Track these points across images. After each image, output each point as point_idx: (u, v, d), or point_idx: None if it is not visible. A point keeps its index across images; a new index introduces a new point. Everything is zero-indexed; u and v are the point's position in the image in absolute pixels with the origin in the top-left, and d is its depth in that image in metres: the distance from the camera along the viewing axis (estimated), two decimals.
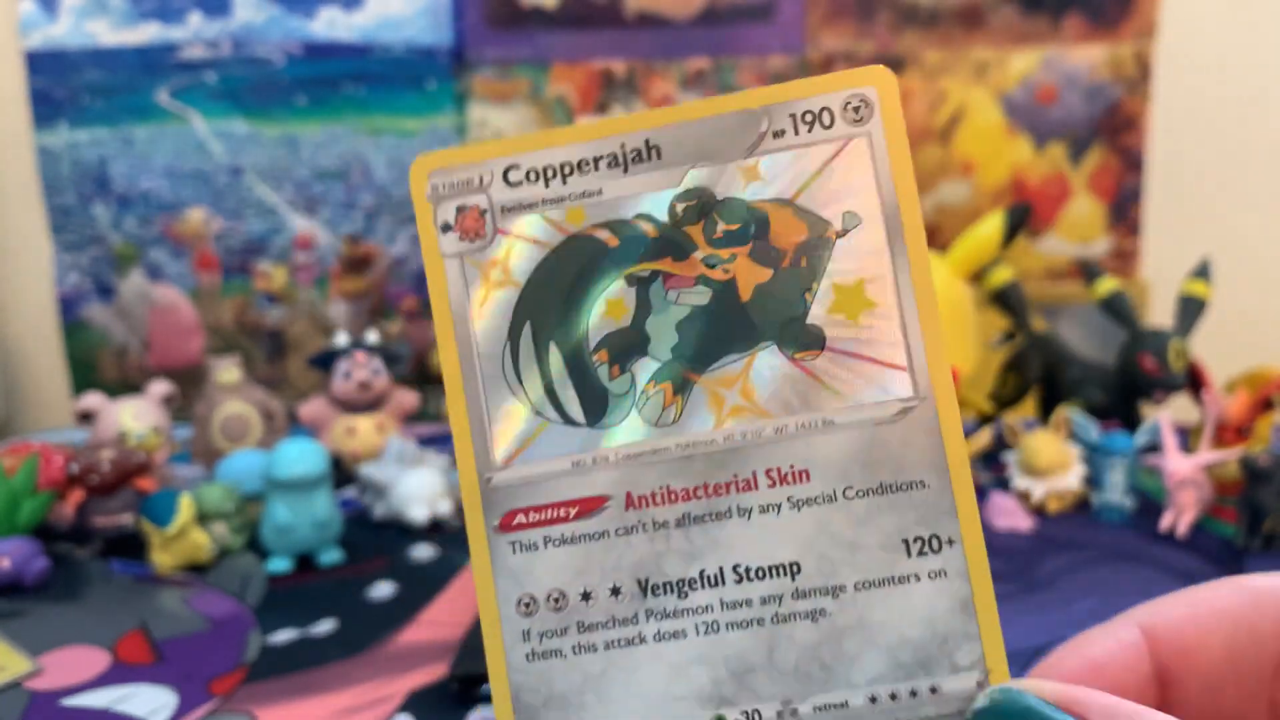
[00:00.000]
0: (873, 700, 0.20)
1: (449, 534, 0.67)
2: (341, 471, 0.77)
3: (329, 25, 0.93)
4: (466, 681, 0.47)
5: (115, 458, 0.64)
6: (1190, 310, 0.72)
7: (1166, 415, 0.68)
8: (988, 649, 0.21)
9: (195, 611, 0.57)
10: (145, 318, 0.99)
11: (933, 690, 0.20)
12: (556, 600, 0.21)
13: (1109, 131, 0.91)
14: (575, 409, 0.21)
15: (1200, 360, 0.73)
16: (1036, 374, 0.77)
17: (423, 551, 0.64)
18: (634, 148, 0.21)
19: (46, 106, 0.95)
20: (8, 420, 1.02)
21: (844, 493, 0.21)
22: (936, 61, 0.91)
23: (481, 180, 0.22)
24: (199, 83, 0.94)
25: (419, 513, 0.67)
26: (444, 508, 0.68)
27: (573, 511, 0.21)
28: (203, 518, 0.63)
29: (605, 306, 0.21)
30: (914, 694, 0.20)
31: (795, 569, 0.21)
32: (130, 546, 0.64)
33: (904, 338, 0.21)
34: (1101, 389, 0.74)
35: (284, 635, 0.54)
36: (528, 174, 0.22)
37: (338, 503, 0.65)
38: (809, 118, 0.21)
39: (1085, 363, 0.76)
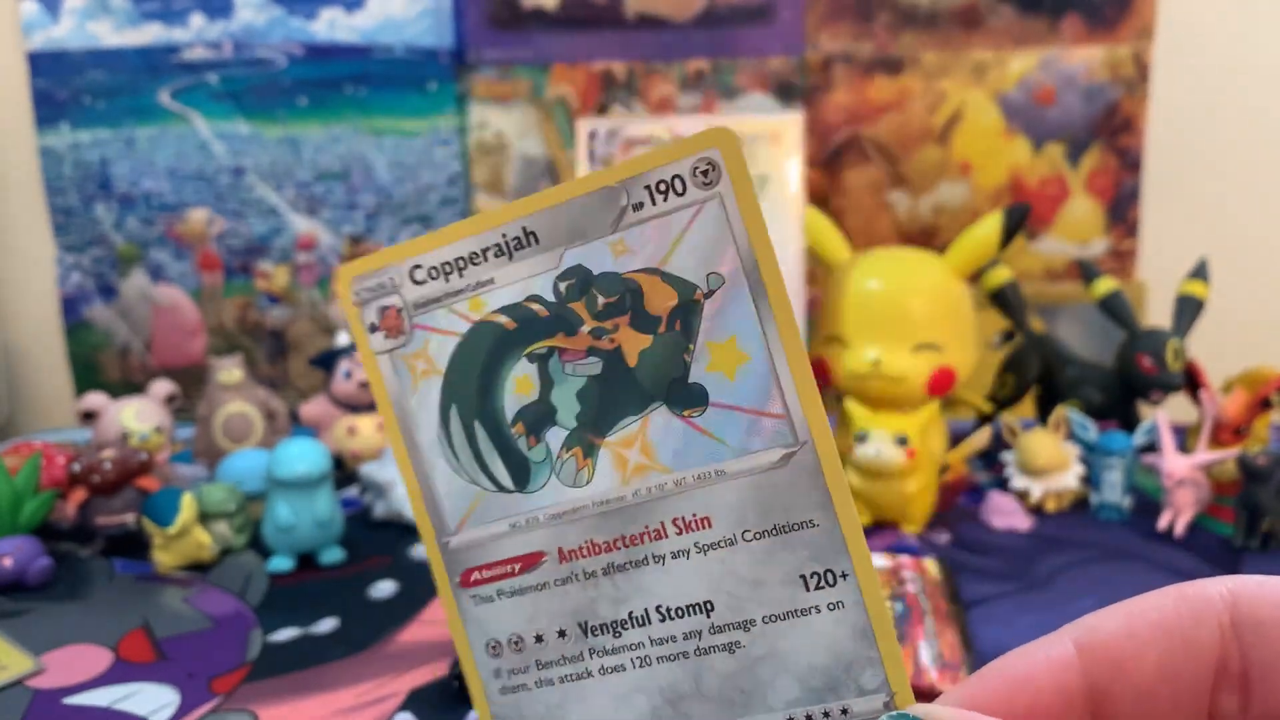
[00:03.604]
0: None
1: None
2: (343, 471, 0.78)
3: (330, 27, 0.94)
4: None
5: (117, 457, 0.65)
6: (1188, 310, 0.72)
7: (1164, 415, 0.68)
8: (890, 672, 0.22)
9: (197, 610, 0.57)
10: (147, 318, 0.99)
11: (844, 712, 0.22)
12: (516, 643, 0.24)
13: (1107, 132, 0.92)
14: (505, 478, 0.24)
15: (1198, 360, 0.73)
16: (1035, 374, 0.77)
17: (424, 550, 0.65)
18: (514, 236, 0.23)
19: (49, 107, 0.95)
20: (10, 420, 1.03)
21: (743, 535, 0.22)
22: (935, 62, 0.91)
23: (394, 281, 0.24)
24: (201, 84, 0.95)
25: None
26: None
27: (517, 567, 0.24)
28: (204, 517, 0.63)
29: (515, 384, 0.23)
30: (826, 715, 0.22)
31: (709, 607, 0.22)
32: (132, 546, 0.65)
33: (779, 387, 0.22)
34: (1099, 389, 0.74)
35: (286, 634, 0.54)
36: (429, 271, 0.24)
37: (339, 502, 0.65)
38: (663, 187, 0.22)
39: (1083, 363, 0.76)
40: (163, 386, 0.77)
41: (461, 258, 0.23)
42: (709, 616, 0.22)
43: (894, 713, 0.20)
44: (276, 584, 0.60)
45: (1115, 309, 0.73)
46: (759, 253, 0.22)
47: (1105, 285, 0.73)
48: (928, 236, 0.94)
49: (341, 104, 0.95)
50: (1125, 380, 0.73)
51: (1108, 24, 0.90)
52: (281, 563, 0.62)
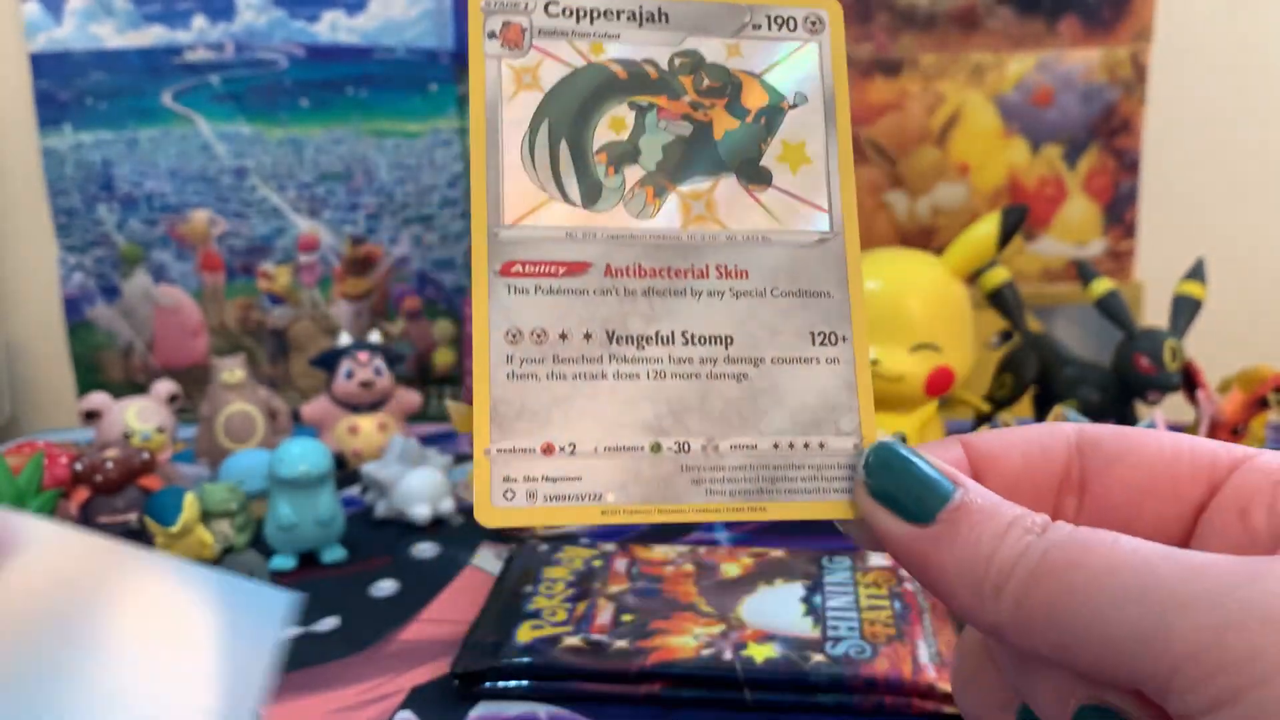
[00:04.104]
0: (775, 446, 0.26)
1: (451, 532, 0.68)
2: (344, 470, 0.78)
3: (332, 28, 0.94)
4: (468, 678, 0.48)
5: (120, 457, 0.65)
6: (1185, 310, 0.72)
7: (1161, 415, 0.68)
8: (864, 419, 0.26)
9: None
10: (150, 318, 0.99)
11: (821, 445, 0.26)
12: (538, 336, 0.25)
13: (1104, 134, 0.92)
14: (575, 193, 0.26)
15: (1195, 360, 0.73)
16: (1032, 374, 0.77)
17: (425, 549, 0.65)
18: (649, 10, 0.27)
19: (51, 108, 0.96)
20: (13, 419, 1.03)
21: (772, 291, 0.27)
22: (933, 64, 0.92)
23: (526, 6, 0.27)
24: (203, 85, 0.95)
25: (421, 511, 0.67)
26: (446, 506, 0.68)
27: (561, 270, 0.26)
28: (207, 516, 0.64)
29: (610, 121, 0.27)
30: (806, 446, 0.26)
31: (729, 340, 0.26)
32: (135, 545, 0.65)
33: (827, 188, 0.28)
34: (1097, 389, 0.75)
35: (287, 632, 0.54)
36: (564, 9, 0.27)
37: (340, 501, 0.65)
38: (779, 21, 0.28)
39: (1081, 363, 0.76)
40: (165, 386, 0.77)
41: (597, 10, 0.27)
42: (727, 349, 0.26)
43: (877, 441, 0.25)
44: (278, 583, 0.61)
45: (1112, 309, 0.73)
46: (838, 94, 0.28)
47: (1103, 285, 0.73)
48: (926, 237, 0.94)
49: (343, 105, 0.95)
50: (1123, 380, 0.73)
51: (1105, 26, 0.90)
52: (283, 562, 0.63)
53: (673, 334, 0.26)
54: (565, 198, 0.26)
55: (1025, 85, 0.91)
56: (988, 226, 0.68)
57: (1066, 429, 0.26)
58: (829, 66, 0.28)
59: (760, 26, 0.28)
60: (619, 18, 0.27)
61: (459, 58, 0.94)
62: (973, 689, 0.26)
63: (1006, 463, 0.25)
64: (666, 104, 0.27)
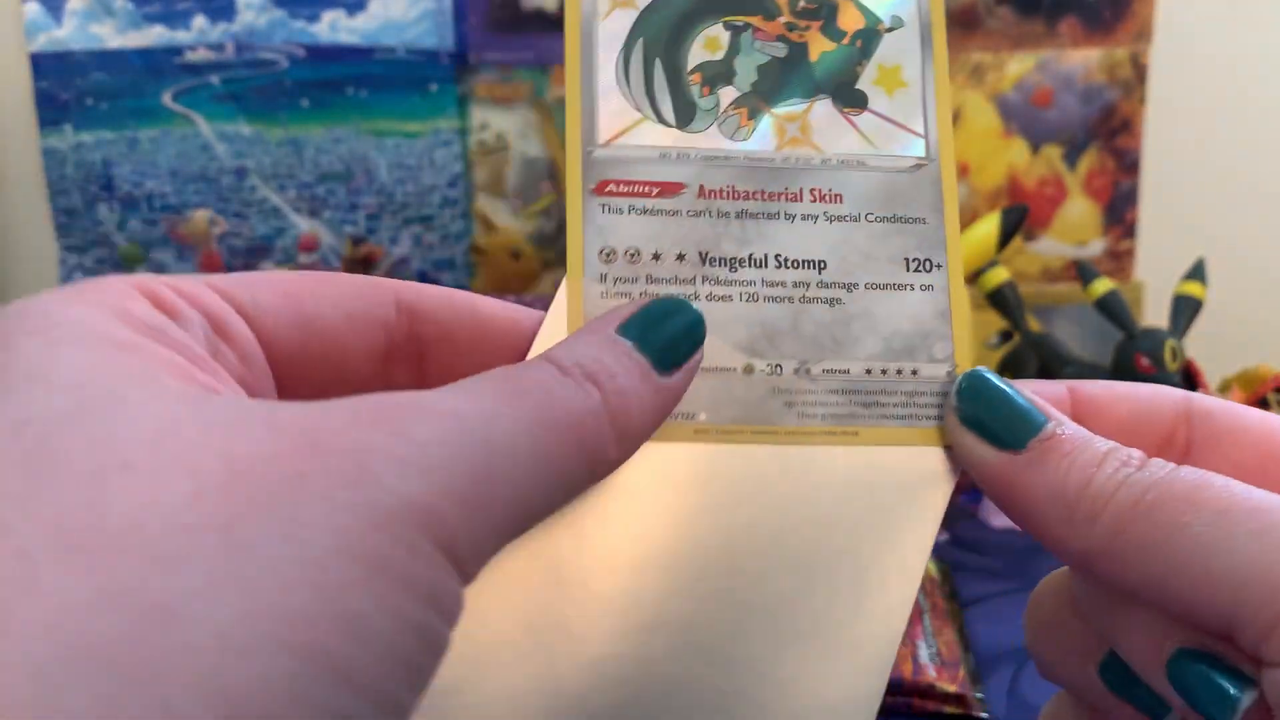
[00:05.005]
0: (868, 372, 0.26)
1: None
2: None
3: (332, 28, 0.94)
4: None
5: None
6: (1185, 310, 0.72)
7: None
8: (958, 347, 0.26)
9: None
10: None
11: (914, 372, 0.26)
12: (632, 256, 0.26)
13: (1104, 134, 0.92)
14: (669, 113, 0.26)
15: (1195, 360, 0.74)
16: (1032, 374, 0.77)
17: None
18: None
19: (51, 109, 0.96)
20: None
21: (866, 216, 0.26)
22: None
23: None
24: (203, 85, 0.95)
25: None
26: None
27: (655, 190, 0.26)
28: None
29: (705, 40, 0.27)
30: (899, 372, 0.26)
31: (822, 265, 0.26)
32: None
33: (923, 113, 0.27)
34: None
35: None
36: None
37: None
38: None
39: (1081, 363, 0.76)
40: None
41: None
42: (820, 273, 0.26)
43: (970, 369, 0.25)
44: None
45: (1113, 309, 0.73)
46: (934, 18, 0.28)
47: (1103, 286, 0.74)
48: None
49: (343, 105, 0.95)
50: (1123, 380, 0.73)
51: (1105, 26, 0.90)
52: None
53: (766, 257, 0.26)
54: (659, 118, 0.26)
55: (1025, 85, 0.91)
56: (988, 226, 0.68)
57: (1176, 394, 0.26)
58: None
59: None
60: None
61: (459, 58, 0.94)
62: (1051, 636, 0.26)
63: (1110, 414, 0.25)
64: (762, 24, 0.27)
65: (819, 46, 0.27)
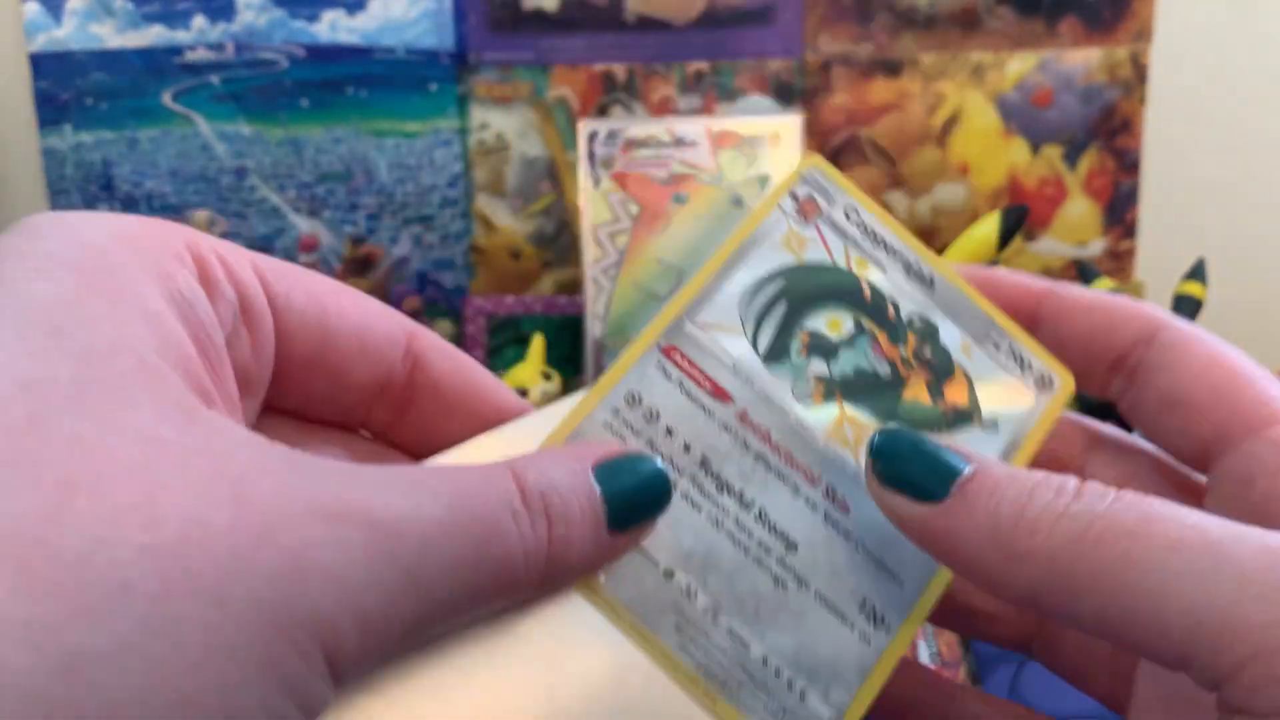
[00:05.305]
0: (764, 661, 0.25)
1: None
2: None
3: (332, 28, 0.94)
4: None
5: None
6: (1185, 311, 0.72)
7: None
8: (853, 707, 0.25)
9: None
10: None
11: (802, 696, 0.25)
12: (650, 416, 0.26)
13: (1105, 134, 0.92)
14: (764, 344, 0.28)
15: None
16: None
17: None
18: (920, 271, 0.29)
19: (51, 109, 0.96)
20: None
21: (859, 541, 0.26)
22: (933, 64, 0.92)
23: (831, 199, 0.29)
24: (203, 85, 0.95)
25: None
26: None
27: (708, 385, 0.27)
28: None
29: (832, 319, 0.28)
30: (790, 684, 0.25)
31: (794, 547, 0.26)
32: None
33: None
34: None
35: None
36: (859, 224, 0.29)
37: None
38: (1018, 357, 0.29)
39: None
40: None
41: (882, 241, 0.29)
42: (787, 552, 0.26)
43: (882, 428, 0.27)
44: None
45: None
46: (1024, 448, 0.28)
47: (1103, 286, 0.74)
48: (926, 237, 0.94)
49: (343, 105, 0.95)
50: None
51: (1106, 26, 0.90)
52: None
53: (753, 503, 0.26)
54: (753, 341, 0.28)
55: (1025, 85, 0.91)
56: (988, 227, 0.68)
57: (1149, 316, 0.26)
58: (1032, 422, 0.28)
59: (1000, 348, 0.29)
60: (894, 258, 0.29)
61: (459, 58, 0.94)
62: None
63: (1076, 324, 0.27)
64: (884, 341, 0.28)
65: (915, 393, 0.28)
